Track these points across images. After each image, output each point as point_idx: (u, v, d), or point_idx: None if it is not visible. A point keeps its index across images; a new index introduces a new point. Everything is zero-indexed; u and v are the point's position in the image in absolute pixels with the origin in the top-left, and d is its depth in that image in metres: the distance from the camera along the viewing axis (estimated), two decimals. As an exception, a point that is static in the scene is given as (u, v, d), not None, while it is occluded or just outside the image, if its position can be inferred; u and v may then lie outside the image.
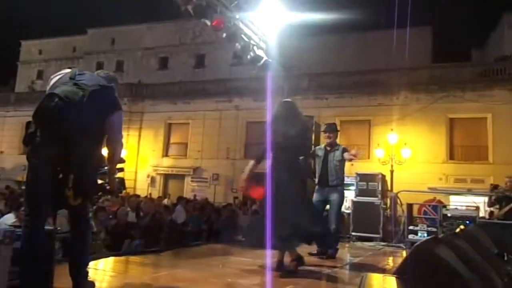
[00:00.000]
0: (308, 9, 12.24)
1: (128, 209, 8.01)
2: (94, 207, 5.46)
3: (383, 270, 4.81)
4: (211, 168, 22.32)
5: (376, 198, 8.47)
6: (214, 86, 23.52)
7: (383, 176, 9.19)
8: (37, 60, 37.64)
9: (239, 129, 22.04)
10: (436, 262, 2.42)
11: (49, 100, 2.57)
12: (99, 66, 32.92)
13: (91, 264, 3.69)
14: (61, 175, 2.61)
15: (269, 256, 4.46)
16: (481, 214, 9.18)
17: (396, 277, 2.31)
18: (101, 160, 2.85)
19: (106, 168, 2.88)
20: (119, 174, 3.01)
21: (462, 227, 5.54)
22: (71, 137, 2.56)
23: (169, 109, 23.85)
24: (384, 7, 23.29)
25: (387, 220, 8.71)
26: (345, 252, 6.64)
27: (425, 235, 7.56)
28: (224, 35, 7.58)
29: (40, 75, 36.69)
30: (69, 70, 2.87)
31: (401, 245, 7.71)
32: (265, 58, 8.31)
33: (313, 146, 6.85)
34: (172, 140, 24.23)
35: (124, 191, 3.75)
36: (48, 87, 2.79)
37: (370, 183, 8.60)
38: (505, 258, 5.53)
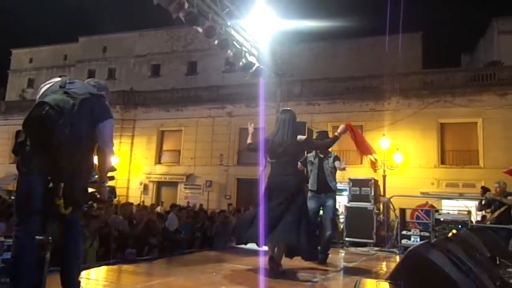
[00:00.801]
0: (300, 16, 12.33)
1: (121, 217, 7.95)
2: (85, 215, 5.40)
3: (376, 275, 4.82)
4: (204, 175, 22.26)
5: (369, 203, 8.49)
6: (206, 93, 23.53)
7: (376, 181, 9.23)
8: (27, 69, 37.44)
9: (232, 136, 22.04)
10: (429, 267, 2.43)
11: (40, 108, 2.55)
12: (91, 74, 32.87)
13: (83, 273, 3.66)
14: (51, 184, 2.59)
15: (262, 263, 4.46)
16: (473, 218, 9.23)
17: (389, 282, 2.31)
18: (92, 168, 2.83)
19: (96, 176, 2.87)
20: (109, 183, 3.00)
21: (454, 231, 5.56)
22: (62, 145, 2.55)
23: (161, 116, 23.80)
24: (375, 14, 23.50)
25: (380, 225, 8.73)
26: (339, 258, 6.64)
27: (418, 239, 7.60)
28: (216, 42, 7.61)
29: (30, 83, 36.48)
30: (59, 78, 2.86)
31: (395, 250, 7.73)
32: (257, 64, 8.35)
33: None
34: (165, 147, 24.15)
35: (115, 200, 3.74)
36: (38, 96, 2.78)
37: (363, 189, 8.63)
38: (497, 262, 5.57)
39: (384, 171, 16.83)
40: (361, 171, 14.87)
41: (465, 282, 2.49)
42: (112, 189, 3.07)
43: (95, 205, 5.49)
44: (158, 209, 14.34)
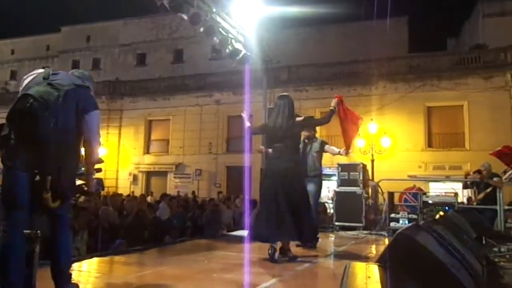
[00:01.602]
0: (286, 2, 12.24)
1: (111, 208, 7.91)
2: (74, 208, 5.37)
3: (366, 259, 4.89)
4: (193, 163, 22.23)
5: (358, 188, 8.58)
6: (193, 81, 23.35)
7: (364, 166, 9.32)
8: (9, 61, 36.64)
9: (221, 124, 21.98)
10: (417, 248, 2.47)
11: (24, 101, 2.51)
12: (75, 64, 32.30)
13: (75, 265, 3.65)
14: (38, 178, 2.56)
15: (248, 251, 4.51)
16: (460, 199, 9.39)
17: (378, 265, 2.35)
18: (79, 161, 2.80)
19: (83, 169, 2.84)
20: (97, 175, 2.98)
21: (441, 213, 5.66)
22: (47, 138, 2.51)
23: (148, 105, 23.60)
24: (360, -2, 23.47)
25: (369, 208, 8.84)
26: (329, 242, 6.72)
27: (406, 222, 7.72)
28: (202, 29, 7.52)
29: (13, 75, 35.74)
30: (42, 70, 2.80)
31: (383, 232, 7.84)
32: (243, 51, 8.28)
33: None
34: (153, 137, 24.00)
35: (103, 191, 3.73)
36: (21, 88, 2.73)
37: (351, 173, 8.70)
38: (483, 242, 5.69)
39: (372, 155, 16.99)
40: (350, 156, 14.96)
41: (452, 263, 2.55)
42: (100, 181, 3.05)
43: (82, 197, 5.46)
44: (148, 199, 14.29)
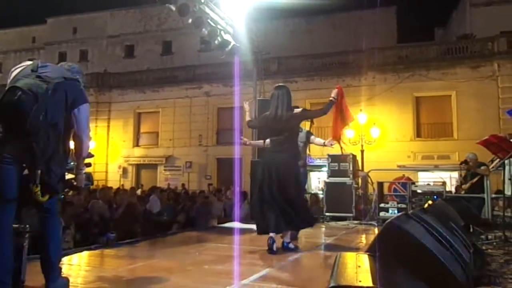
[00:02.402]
0: (274, -8, 12.16)
1: (100, 201, 7.87)
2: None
3: (356, 248, 4.94)
4: (183, 156, 22.17)
5: (348, 178, 8.64)
6: (182, 73, 23.20)
7: (354, 156, 9.38)
8: (-6, 53, 36.04)
9: (210, 116, 21.92)
10: (406, 237, 2.50)
11: (12, 94, 2.47)
12: (62, 56, 31.86)
13: (65, 259, 3.63)
14: (26, 171, 2.53)
15: (239, 243, 4.52)
16: (448, 188, 9.52)
17: (368, 255, 2.37)
18: (68, 155, 2.77)
19: (73, 163, 2.82)
20: (86, 169, 2.95)
21: (430, 202, 5.73)
22: (36, 132, 2.48)
23: (137, 98, 23.42)
24: (349, -11, 23.46)
25: (359, 199, 8.92)
26: (320, 232, 6.77)
27: (396, 211, 7.81)
28: (190, 20, 7.45)
29: (-2, 67, 35.19)
30: (30, 62, 2.75)
31: (373, 222, 7.92)
32: (233, 42, 8.23)
33: None
34: (142, 129, 23.86)
35: (92, 186, 3.70)
36: (9, 81, 2.68)
37: (341, 164, 8.75)
38: (471, 230, 5.78)
39: (362, 146, 17.10)
40: (340, 147, 15.05)
41: (440, 250, 2.59)
42: (89, 176, 3.03)
43: (71, 192, 5.41)
44: (139, 192, 14.24)
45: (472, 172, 7.84)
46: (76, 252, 4.29)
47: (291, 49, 22.56)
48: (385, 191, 9.32)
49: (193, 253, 4.44)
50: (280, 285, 3.07)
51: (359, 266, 2.14)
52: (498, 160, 7.63)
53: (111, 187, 13.22)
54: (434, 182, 9.79)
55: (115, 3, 31.57)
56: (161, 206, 9.07)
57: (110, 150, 23.49)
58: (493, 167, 7.67)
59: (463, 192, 8.06)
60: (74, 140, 2.77)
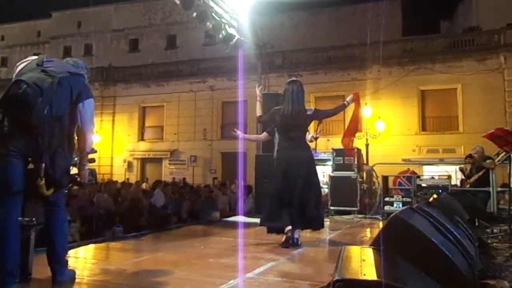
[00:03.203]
0: (278, -15, 12.09)
1: (105, 195, 7.92)
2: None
3: (361, 242, 4.95)
4: (188, 150, 22.21)
5: (353, 172, 8.62)
6: (187, 67, 23.18)
7: (359, 150, 9.35)
8: (0, 47, 36.12)
9: (215, 110, 21.92)
10: (411, 231, 2.50)
11: (17, 87, 2.48)
12: (66, 50, 31.92)
13: (71, 252, 3.66)
14: (32, 165, 2.55)
15: (243, 236, 4.52)
16: (453, 182, 9.48)
17: (373, 248, 2.37)
18: (73, 149, 2.78)
19: (76, 159, 2.83)
20: (90, 165, 2.96)
21: (435, 196, 5.70)
22: (41, 125, 2.49)
23: (142, 92, 23.45)
24: (354, -19, 23.28)
25: (364, 193, 8.90)
26: (324, 226, 6.76)
27: (401, 205, 7.79)
28: (195, 14, 7.42)
29: (4, 62, 35.30)
30: (35, 57, 2.77)
31: (378, 216, 7.91)
32: (237, 36, 8.20)
33: None
34: (147, 123, 23.91)
35: (94, 182, 3.72)
36: (14, 75, 2.70)
37: (346, 158, 8.73)
38: (476, 224, 5.77)
39: (367, 139, 17.04)
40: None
41: (445, 244, 2.58)
42: (93, 172, 3.04)
43: (75, 187, 5.44)
44: (144, 185, 14.31)
45: (477, 166, 7.80)
46: (82, 245, 4.32)
47: (296, 43, 22.47)
48: (390, 185, 9.29)
49: (198, 246, 4.46)
50: (285, 278, 3.08)
51: (363, 260, 2.14)
52: (504, 153, 7.58)
53: (116, 181, 13.30)
54: (439, 175, 9.75)
55: (119, -4, 31.54)
56: (165, 200, 9.10)
57: (115, 144, 23.58)
58: (498, 161, 7.63)
59: (468, 185, 8.03)
60: (78, 135, 2.78)
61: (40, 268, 2.77)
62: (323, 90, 18.82)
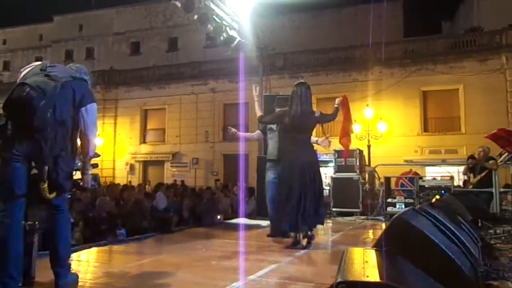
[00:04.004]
0: (279, -13, 12.10)
1: (108, 198, 7.93)
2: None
3: (363, 244, 4.94)
4: (190, 152, 22.22)
5: (355, 174, 8.61)
6: (188, 70, 23.22)
7: (361, 152, 9.34)
8: (2, 51, 36.27)
9: (216, 112, 21.93)
10: (413, 232, 2.49)
11: (20, 90, 2.50)
12: (68, 54, 32.03)
13: (74, 255, 3.67)
14: (34, 170, 2.56)
15: (246, 239, 4.52)
16: (456, 183, 9.45)
17: (376, 250, 2.36)
18: (75, 153, 2.79)
19: (79, 164, 2.84)
20: (93, 171, 2.96)
21: (438, 197, 5.71)
22: (44, 128, 2.50)
23: (144, 95, 23.50)
24: (355, -17, 23.29)
25: (366, 194, 8.90)
26: (327, 228, 6.76)
27: (403, 206, 7.77)
28: (196, 16, 7.44)
29: (6, 66, 35.44)
30: (39, 62, 2.80)
31: (380, 217, 7.90)
32: (238, 38, 8.21)
33: None
34: (149, 126, 23.95)
35: (97, 187, 3.72)
36: (18, 80, 2.71)
37: (348, 159, 8.72)
38: (479, 224, 5.75)
39: (369, 141, 17.03)
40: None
41: (448, 245, 2.57)
42: (96, 177, 3.05)
43: (77, 192, 5.45)
44: (146, 188, 14.32)
45: (480, 166, 7.77)
46: (84, 248, 4.33)
47: (297, 45, 22.48)
48: (392, 186, 9.27)
49: (200, 249, 4.46)
50: (287, 280, 3.08)
51: (366, 262, 2.14)
52: (506, 154, 7.56)
53: (118, 184, 13.30)
54: (441, 176, 9.73)
55: (121, 0, 31.66)
56: (167, 202, 9.11)
57: (117, 147, 23.61)
58: (501, 161, 7.60)
59: (471, 186, 8.01)
60: (81, 139, 2.78)
61: (43, 272, 2.77)
62: (325, 91, 18.77)
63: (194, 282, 3.10)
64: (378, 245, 2.45)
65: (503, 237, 5.32)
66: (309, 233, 4.39)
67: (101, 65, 28.23)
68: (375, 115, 17.76)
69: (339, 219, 8.00)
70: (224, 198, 10.55)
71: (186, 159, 22.34)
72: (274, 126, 5.26)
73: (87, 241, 5.48)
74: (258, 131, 5.30)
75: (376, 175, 9.26)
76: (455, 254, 2.47)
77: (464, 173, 8.61)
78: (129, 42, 31.39)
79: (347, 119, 5.34)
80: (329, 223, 7.38)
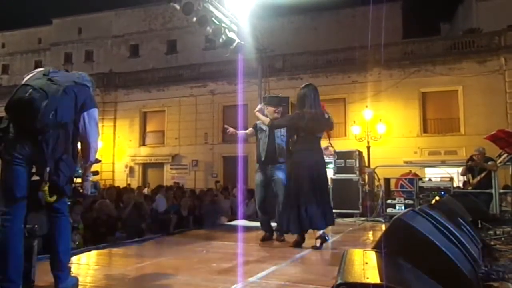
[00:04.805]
0: (278, -11, 12.13)
1: (107, 201, 7.91)
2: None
3: (363, 245, 4.93)
4: (190, 154, 22.22)
5: (354, 175, 8.62)
6: (187, 72, 23.23)
7: (360, 153, 9.35)
8: (1, 54, 36.31)
9: (216, 114, 21.93)
10: (413, 233, 2.49)
11: (22, 91, 2.52)
12: (67, 57, 32.06)
13: (74, 259, 3.66)
14: (35, 176, 2.56)
15: (246, 241, 4.51)
16: (455, 184, 9.46)
17: (376, 251, 2.37)
18: (76, 158, 2.78)
19: (80, 171, 2.84)
20: (93, 178, 2.96)
21: (437, 198, 5.70)
22: (46, 130, 2.51)
23: (143, 97, 23.49)
24: (354, -16, 23.33)
25: (366, 195, 8.90)
26: (326, 229, 6.74)
27: (403, 207, 7.78)
28: (195, 19, 7.45)
29: (5, 69, 35.46)
30: (42, 69, 2.84)
31: (380, 219, 7.90)
32: (237, 40, 8.22)
33: None
34: (148, 128, 23.94)
35: (97, 194, 3.71)
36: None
37: (347, 160, 8.74)
38: (479, 225, 5.75)
39: (368, 142, 17.04)
40: (346, 143, 15.06)
41: (448, 246, 2.57)
42: (96, 184, 3.03)
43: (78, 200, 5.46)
44: (145, 190, 14.31)
45: (479, 168, 7.78)
46: (84, 252, 4.32)
47: (296, 46, 22.51)
48: (392, 187, 9.28)
49: (201, 251, 4.45)
50: (288, 282, 3.08)
51: (366, 263, 2.14)
52: (505, 155, 7.58)
53: (118, 186, 13.30)
54: (441, 177, 9.73)
55: (120, 2, 31.72)
56: (167, 204, 9.10)
57: (116, 149, 23.60)
58: (500, 162, 7.62)
59: (470, 187, 8.01)
60: (82, 144, 2.78)
61: (43, 275, 2.77)
62: (324, 93, 18.59)
63: (194, 284, 3.10)
64: (378, 247, 2.45)
65: (503, 238, 5.32)
66: (321, 233, 4.43)
67: (100, 68, 28.25)
68: (375, 117, 17.78)
69: (339, 220, 7.98)
70: (224, 200, 10.54)
71: (185, 161, 22.33)
72: (263, 126, 5.19)
73: (86, 244, 5.47)
74: (251, 129, 5.34)
75: (376, 177, 9.26)
76: (455, 255, 2.47)
77: (462, 174, 8.62)
78: (128, 45, 31.42)
79: None
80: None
